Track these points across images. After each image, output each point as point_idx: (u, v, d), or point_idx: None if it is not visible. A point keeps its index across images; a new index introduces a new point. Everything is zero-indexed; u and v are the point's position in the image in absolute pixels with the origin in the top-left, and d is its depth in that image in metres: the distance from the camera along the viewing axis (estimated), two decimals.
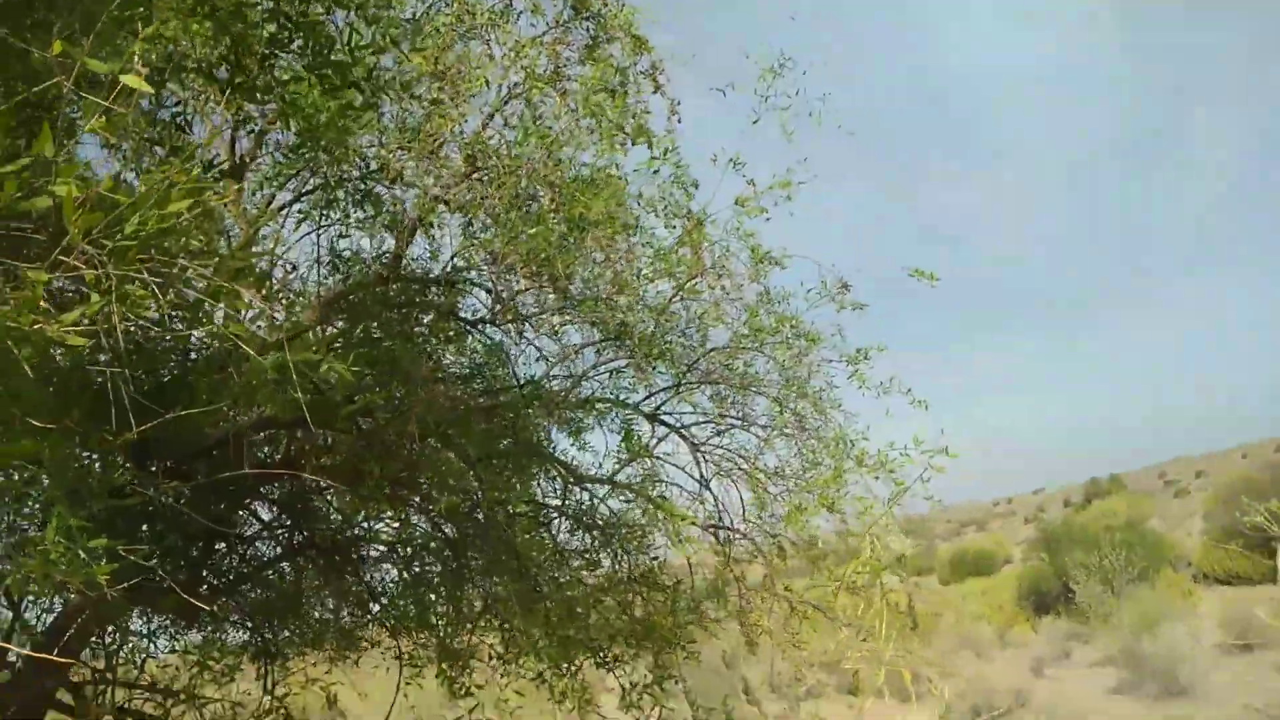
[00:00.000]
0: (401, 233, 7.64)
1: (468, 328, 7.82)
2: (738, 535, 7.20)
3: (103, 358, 2.36)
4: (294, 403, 3.28)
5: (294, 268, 8.41)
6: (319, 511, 8.20)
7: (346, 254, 8.20)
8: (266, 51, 3.75)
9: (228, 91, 3.65)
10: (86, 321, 2.09)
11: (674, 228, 8.83)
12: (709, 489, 7.32)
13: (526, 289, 7.51)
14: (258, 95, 3.86)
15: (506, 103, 8.77)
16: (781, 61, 8.04)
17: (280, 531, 8.18)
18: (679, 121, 9.57)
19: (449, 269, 8.11)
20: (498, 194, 7.70)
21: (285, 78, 3.93)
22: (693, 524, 6.94)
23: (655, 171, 8.94)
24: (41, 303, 2.11)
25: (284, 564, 8.26)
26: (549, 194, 6.64)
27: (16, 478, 2.41)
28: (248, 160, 5.40)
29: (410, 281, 8.10)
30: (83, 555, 2.36)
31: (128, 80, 2.08)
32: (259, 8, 3.86)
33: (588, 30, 8.99)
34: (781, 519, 6.74)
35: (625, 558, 7.09)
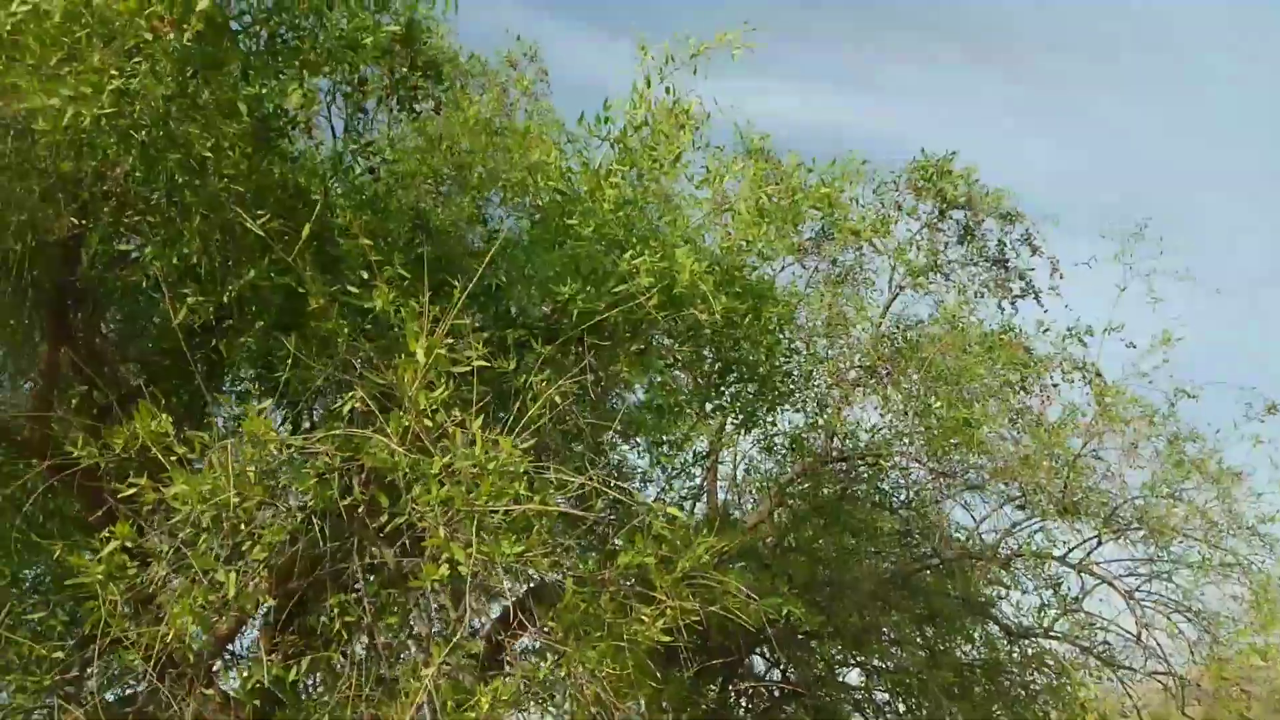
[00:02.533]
0: (828, 420, 9.39)
1: (893, 507, 9.24)
2: (1186, 683, 7.44)
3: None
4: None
5: (751, 460, 10.65)
6: (804, 660, 9.93)
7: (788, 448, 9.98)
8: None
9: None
10: None
11: (1071, 381, 9.53)
12: (1147, 635, 7.69)
13: (942, 470, 8.75)
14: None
15: (895, 298, 10.39)
16: (1142, 225, 8.65)
17: (776, 682, 10.10)
18: (1060, 278, 10.40)
19: (871, 446, 9.64)
20: (900, 385, 9.27)
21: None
22: (1131, 670, 7.40)
23: (1045, 330, 9.86)
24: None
25: (783, 708, 10.10)
26: (944, 397, 7.99)
27: None
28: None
29: (842, 460, 9.79)
30: None
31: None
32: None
33: (957, 221, 10.40)
34: (1209, 662, 6.95)
35: (1072, 707, 7.71)
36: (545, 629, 3.70)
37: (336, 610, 4.12)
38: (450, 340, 3.21)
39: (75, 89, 3.31)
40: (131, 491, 3.08)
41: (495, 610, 5.09)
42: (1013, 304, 10.16)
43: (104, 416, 5.33)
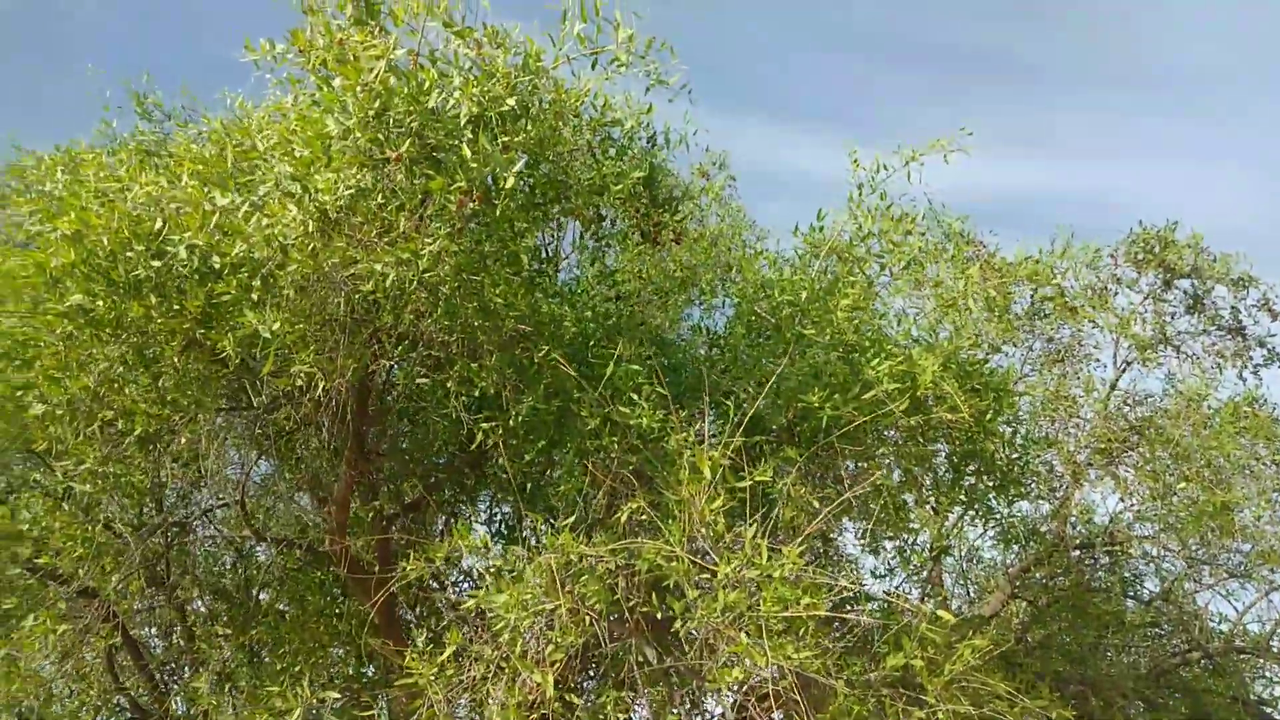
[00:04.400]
0: (1061, 505, 9.00)
1: (1141, 597, 8.65)
2: None
3: None
4: None
5: (976, 549, 10.28)
6: None
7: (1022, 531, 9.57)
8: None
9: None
10: None
11: None
12: None
13: (1198, 556, 8.16)
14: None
15: (1122, 373, 9.92)
16: None
17: None
18: None
19: (1110, 532, 9.12)
20: (1140, 466, 8.77)
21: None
22: None
23: None
24: None
25: None
26: (1191, 477, 7.53)
27: None
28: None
29: (1080, 548, 9.29)
30: None
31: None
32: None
33: (1184, 291, 9.90)
34: None
35: None
36: None
37: (610, 705, 4.41)
38: (722, 453, 3.50)
39: (397, 255, 3.95)
40: (469, 602, 3.52)
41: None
42: (1255, 373, 9.53)
43: (388, 527, 6.01)
